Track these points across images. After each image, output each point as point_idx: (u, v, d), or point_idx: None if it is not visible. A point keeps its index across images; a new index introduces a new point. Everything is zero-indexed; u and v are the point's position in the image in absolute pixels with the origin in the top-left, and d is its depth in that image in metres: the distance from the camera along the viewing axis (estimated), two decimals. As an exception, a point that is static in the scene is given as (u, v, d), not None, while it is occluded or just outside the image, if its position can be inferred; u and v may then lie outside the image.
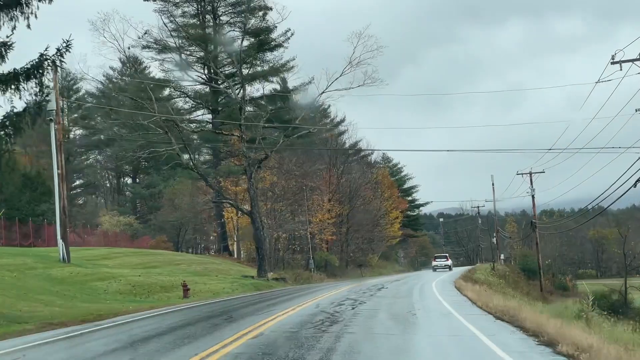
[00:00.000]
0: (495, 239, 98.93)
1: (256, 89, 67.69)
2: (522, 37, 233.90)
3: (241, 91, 52.89)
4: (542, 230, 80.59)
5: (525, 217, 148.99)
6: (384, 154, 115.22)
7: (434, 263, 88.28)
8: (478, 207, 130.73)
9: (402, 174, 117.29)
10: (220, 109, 66.94)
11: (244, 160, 51.18)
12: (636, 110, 32.15)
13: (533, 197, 64.27)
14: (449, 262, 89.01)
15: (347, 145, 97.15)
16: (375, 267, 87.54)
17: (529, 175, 64.84)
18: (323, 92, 50.20)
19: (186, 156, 50.29)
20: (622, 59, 30.74)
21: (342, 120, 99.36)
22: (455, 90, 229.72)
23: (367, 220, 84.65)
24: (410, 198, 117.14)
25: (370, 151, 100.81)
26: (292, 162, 66.58)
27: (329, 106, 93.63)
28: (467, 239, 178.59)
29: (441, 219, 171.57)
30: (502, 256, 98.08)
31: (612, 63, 31.10)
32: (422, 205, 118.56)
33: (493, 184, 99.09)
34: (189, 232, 73.97)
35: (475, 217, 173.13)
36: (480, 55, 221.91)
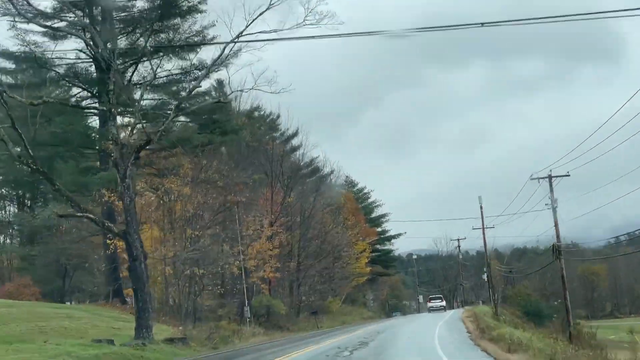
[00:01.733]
0: (486, 274, 79.51)
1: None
2: (484, 79, 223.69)
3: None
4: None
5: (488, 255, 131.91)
6: (347, 177, 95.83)
7: (429, 304, 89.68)
8: (458, 239, 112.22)
9: (370, 200, 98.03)
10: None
11: (111, 148, 31.31)
12: None
13: (555, 210, 45.20)
14: (444, 303, 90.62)
15: (301, 163, 77.86)
16: (336, 314, 67.32)
17: (547, 180, 45.81)
18: (240, 35, 30.71)
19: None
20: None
21: (295, 134, 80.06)
22: (418, 133, 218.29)
23: (325, 252, 64.78)
24: (380, 229, 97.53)
25: (329, 171, 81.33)
26: (212, 167, 46.74)
27: (279, 116, 74.58)
28: (442, 279, 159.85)
29: (414, 255, 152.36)
30: (494, 297, 78.64)
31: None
32: (394, 237, 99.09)
33: (481, 207, 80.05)
34: (77, 273, 53.29)
35: (452, 256, 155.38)
36: (443, 98, 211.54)
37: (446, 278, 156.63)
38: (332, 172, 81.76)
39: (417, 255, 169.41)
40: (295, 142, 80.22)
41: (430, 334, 28.92)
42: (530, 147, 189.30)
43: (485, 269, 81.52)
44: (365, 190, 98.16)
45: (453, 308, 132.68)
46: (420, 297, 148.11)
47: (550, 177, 46.16)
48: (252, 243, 52.23)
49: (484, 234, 79.76)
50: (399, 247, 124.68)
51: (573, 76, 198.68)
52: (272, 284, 55.03)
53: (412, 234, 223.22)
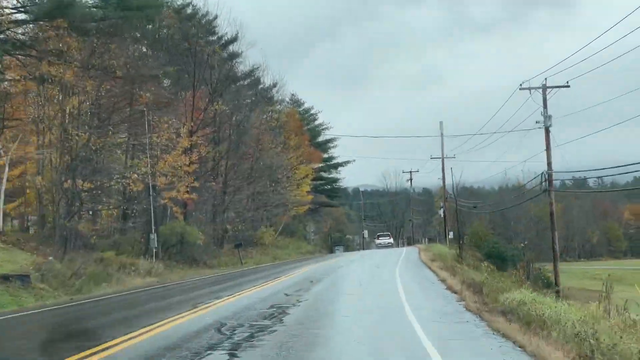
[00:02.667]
0: (443, 210, 70.38)
1: None
2: (439, 18, 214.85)
3: None
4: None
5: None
6: (293, 95, 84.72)
7: (377, 241, 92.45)
8: (410, 171, 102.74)
9: (317, 122, 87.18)
10: None
11: None
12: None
13: (548, 129, 35.20)
14: (392, 240, 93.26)
15: (239, 72, 66.40)
16: (269, 247, 57.29)
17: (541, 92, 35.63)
18: None
19: None
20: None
21: (234, 39, 68.20)
22: (373, 69, 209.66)
23: (258, 174, 54.27)
24: (326, 155, 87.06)
25: (272, 84, 69.97)
26: (109, 51, 35.12)
27: (216, 17, 62.19)
28: (389, 215, 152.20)
29: (361, 189, 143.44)
30: (450, 234, 69.73)
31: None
32: (341, 164, 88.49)
33: (442, 134, 70.34)
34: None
35: (401, 192, 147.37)
36: (399, 35, 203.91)
37: (394, 214, 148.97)
38: (274, 85, 70.58)
39: (365, 190, 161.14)
40: (234, 48, 68.63)
41: (394, 298, 18.58)
42: (481, 90, 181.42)
43: (442, 204, 72.33)
44: (313, 111, 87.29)
45: (399, 246, 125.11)
46: (366, 232, 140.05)
47: (544, 88, 36.02)
48: (164, 155, 41.29)
49: (443, 164, 70.46)
50: (347, 181, 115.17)
51: (528, 19, 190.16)
52: (188, 207, 44.36)
53: (361, 169, 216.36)
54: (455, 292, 18.62)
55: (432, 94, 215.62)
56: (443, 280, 23.31)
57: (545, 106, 35.79)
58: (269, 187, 56.43)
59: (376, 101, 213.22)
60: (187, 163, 41.81)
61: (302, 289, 22.58)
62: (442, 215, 70.92)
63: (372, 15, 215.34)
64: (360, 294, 20.63)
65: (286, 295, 20.10)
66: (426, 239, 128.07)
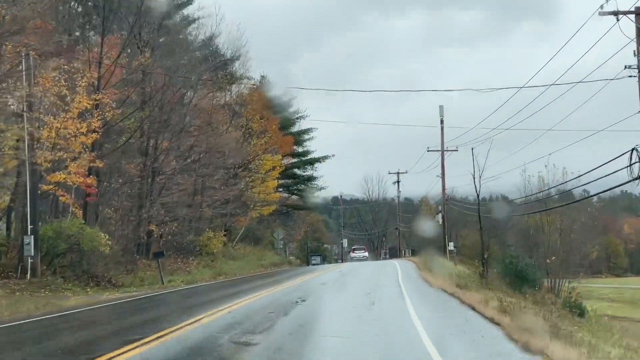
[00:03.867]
0: (442, 215, 56.75)
1: None
2: (422, 29, 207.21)
3: None
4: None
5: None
6: (263, 76, 70.49)
7: (352, 254, 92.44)
8: (398, 172, 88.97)
9: (291, 110, 73.25)
10: None
11: None
12: None
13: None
14: (366, 253, 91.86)
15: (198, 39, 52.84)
16: (220, 257, 43.12)
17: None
18: None
19: None
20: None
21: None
22: (353, 77, 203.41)
23: (207, 160, 40.18)
24: (301, 149, 73.14)
25: (235, 55, 55.74)
26: None
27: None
28: (371, 223, 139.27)
29: (341, 195, 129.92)
30: (451, 246, 56.30)
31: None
32: (318, 160, 74.02)
33: (442, 120, 56.80)
34: None
35: (383, 201, 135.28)
36: (380, 45, 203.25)
37: (375, 222, 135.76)
38: (237, 57, 56.36)
39: (344, 199, 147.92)
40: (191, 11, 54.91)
41: None
42: (459, 104, 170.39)
43: (440, 208, 58.76)
44: (286, 98, 73.29)
45: (379, 258, 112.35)
46: (345, 242, 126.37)
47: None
48: (51, 119, 27.26)
49: (442, 157, 56.94)
50: (326, 192, 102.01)
51: (509, 32, 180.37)
52: (89, 198, 30.15)
53: (341, 177, 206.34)
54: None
55: (411, 105, 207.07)
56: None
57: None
58: (220, 179, 42.36)
59: (355, 109, 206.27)
60: (85, 131, 27.73)
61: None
62: (439, 222, 57.22)
63: (355, 25, 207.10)
64: None
65: None
66: (409, 250, 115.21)
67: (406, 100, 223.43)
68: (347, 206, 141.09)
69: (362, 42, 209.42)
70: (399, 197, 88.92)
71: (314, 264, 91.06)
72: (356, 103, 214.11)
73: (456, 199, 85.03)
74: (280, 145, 53.63)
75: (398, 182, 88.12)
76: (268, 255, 57.44)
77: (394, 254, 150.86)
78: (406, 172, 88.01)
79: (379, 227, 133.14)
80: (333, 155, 73.76)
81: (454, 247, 57.92)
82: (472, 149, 32.63)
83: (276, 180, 54.21)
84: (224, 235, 46.40)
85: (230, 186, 43.71)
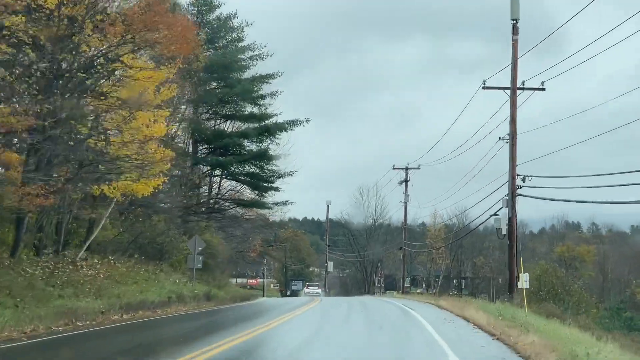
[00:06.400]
0: (507, 226, 27.77)
1: None
2: (422, 56, 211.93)
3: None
4: None
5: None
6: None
7: (306, 290, 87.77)
8: (407, 167, 60.05)
9: (245, 31, 43.72)
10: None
11: None
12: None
13: None
14: (319, 290, 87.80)
15: None
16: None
17: None
18: None
19: None
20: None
21: None
22: (350, 103, 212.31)
23: None
24: (256, 110, 44.17)
25: None
26: None
27: None
28: (364, 243, 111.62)
29: (328, 202, 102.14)
30: (525, 279, 27.28)
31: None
32: (283, 128, 43.06)
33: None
34: None
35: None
36: (380, 71, 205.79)
37: (368, 242, 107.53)
38: None
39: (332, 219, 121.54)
40: None
41: None
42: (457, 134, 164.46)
43: (508, 212, 29.87)
44: (238, 21, 44.69)
45: (371, 293, 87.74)
46: (331, 265, 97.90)
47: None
48: None
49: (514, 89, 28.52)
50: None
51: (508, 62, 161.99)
52: None
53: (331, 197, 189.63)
54: None
55: (408, 132, 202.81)
56: None
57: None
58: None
59: (351, 134, 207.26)
60: None
61: None
62: (502, 235, 28.73)
63: (355, 49, 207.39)
64: None
65: None
66: (408, 278, 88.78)
67: (406, 126, 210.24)
68: (335, 229, 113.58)
69: (361, 66, 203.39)
70: (406, 203, 60.19)
71: (310, 290, 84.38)
72: (355, 128, 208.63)
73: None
74: (182, 45, 24.74)
75: (406, 181, 59.73)
76: (166, 283, 29.24)
77: (391, 285, 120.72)
78: (418, 168, 59.86)
79: (372, 247, 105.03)
80: (307, 121, 44.02)
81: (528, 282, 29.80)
82: None
83: (170, 125, 25.72)
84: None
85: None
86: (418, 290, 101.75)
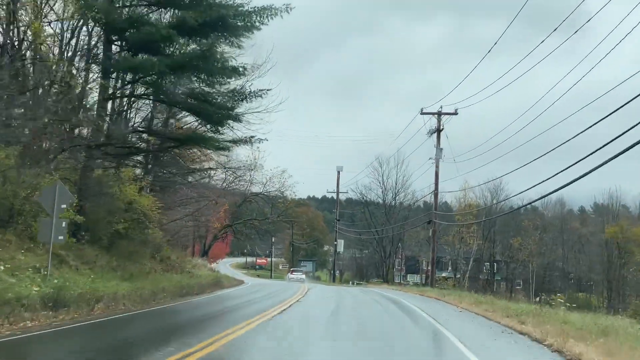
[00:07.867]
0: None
1: None
2: (446, 35, 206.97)
3: None
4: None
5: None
6: None
7: (290, 275, 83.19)
8: (439, 112, 44.74)
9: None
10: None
11: None
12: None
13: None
14: (303, 276, 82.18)
15: None
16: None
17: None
18: None
19: None
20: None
21: None
22: (372, 82, 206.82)
23: None
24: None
25: None
26: None
27: None
28: (383, 219, 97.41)
29: (339, 169, 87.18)
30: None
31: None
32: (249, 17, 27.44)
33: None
34: None
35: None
36: (403, 51, 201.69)
37: (388, 219, 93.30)
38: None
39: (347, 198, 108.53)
40: None
41: None
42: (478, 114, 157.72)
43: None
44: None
45: (390, 279, 74.12)
46: (341, 244, 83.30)
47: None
48: None
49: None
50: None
51: (534, 44, 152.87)
52: None
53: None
54: None
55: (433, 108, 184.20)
56: None
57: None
58: None
59: (372, 115, 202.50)
60: None
61: None
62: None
63: (378, 29, 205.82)
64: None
65: None
66: (430, 267, 73.67)
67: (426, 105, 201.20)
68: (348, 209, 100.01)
69: (384, 46, 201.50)
70: (437, 159, 45.22)
71: (294, 276, 77.95)
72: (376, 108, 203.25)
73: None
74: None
75: (439, 130, 45.12)
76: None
77: (413, 268, 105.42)
78: (456, 113, 45.16)
79: (392, 223, 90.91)
80: (288, 10, 28.33)
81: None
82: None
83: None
84: None
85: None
86: (443, 274, 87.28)
